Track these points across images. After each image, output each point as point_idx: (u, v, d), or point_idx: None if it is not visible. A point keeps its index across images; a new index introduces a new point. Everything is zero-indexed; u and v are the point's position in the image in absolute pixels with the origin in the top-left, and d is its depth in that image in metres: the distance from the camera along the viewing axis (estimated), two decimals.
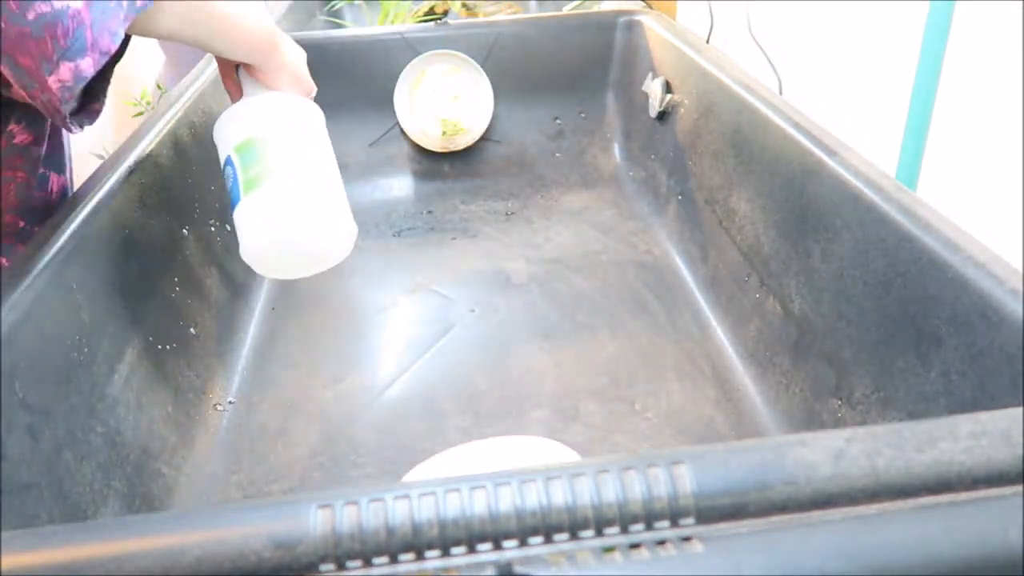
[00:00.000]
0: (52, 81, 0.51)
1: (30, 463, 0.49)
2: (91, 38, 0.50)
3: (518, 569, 0.26)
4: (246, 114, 0.65)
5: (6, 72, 0.52)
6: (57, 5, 0.49)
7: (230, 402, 0.76)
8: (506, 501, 0.27)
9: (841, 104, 1.09)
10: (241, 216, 0.62)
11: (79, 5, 0.49)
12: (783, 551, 0.26)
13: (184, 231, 0.81)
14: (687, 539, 0.27)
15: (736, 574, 0.26)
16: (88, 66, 0.51)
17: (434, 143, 1.15)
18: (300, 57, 0.69)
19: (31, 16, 0.49)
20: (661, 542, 0.27)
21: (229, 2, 0.60)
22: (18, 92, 0.54)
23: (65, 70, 0.51)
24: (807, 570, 0.26)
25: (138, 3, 0.52)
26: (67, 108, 0.53)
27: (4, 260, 0.65)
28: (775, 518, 0.28)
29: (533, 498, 0.27)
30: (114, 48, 0.52)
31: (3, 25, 0.48)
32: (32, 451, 0.49)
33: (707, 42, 1.07)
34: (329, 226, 0.63)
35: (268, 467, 0.69)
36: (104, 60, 0.52)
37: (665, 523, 0.27)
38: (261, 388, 0.78)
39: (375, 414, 0.74)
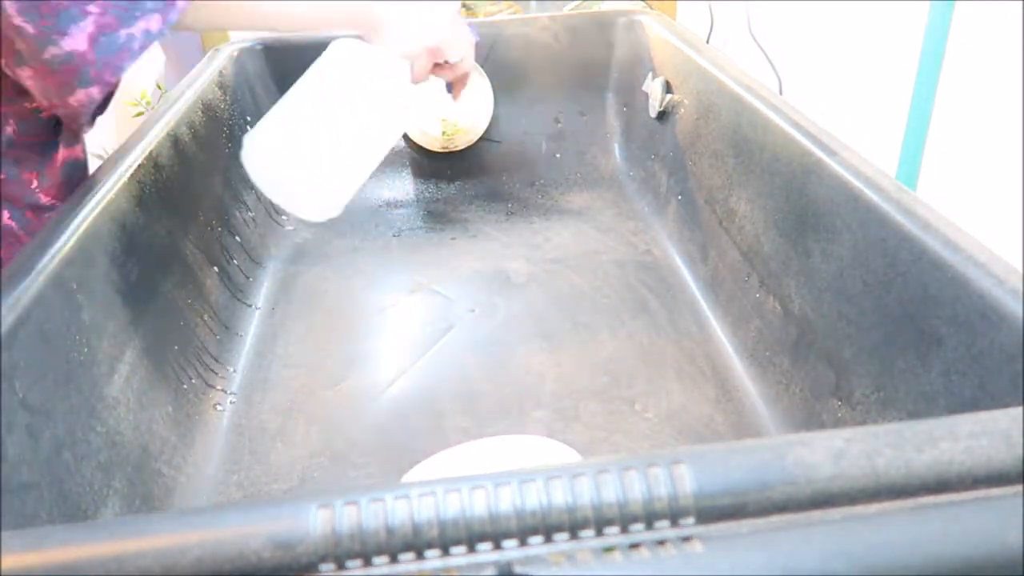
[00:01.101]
0: (72, 100, 0.60)
1: (30, 463, 0.48)
2: (95, 74, 0.59)
3: (518, 569, 0.26)
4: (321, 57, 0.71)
5: (36, 89, 0.61)
6: (66, 48, 0.57)
7: (230, 402, 0.76)
8: (506, 501, 0.27)
9: (841, 104, 1.09)
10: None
11: (84, 48, 0.57)
12: (783, 551, 0.26)
13: (184, 231, 0.81)
14: (687, 539, 0.27)
15: (736, 574, 0.26)
16: (97, 92, 0.60)
17: (434, 143, 1.15)
18: (411, 25, 0.70)
19: (47, 55, 0.57)
20: (661, 542, 0.27)
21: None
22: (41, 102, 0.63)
23: (81, 94, 0.60)
24: (807, 570, 0.26)
25: (153, 30, 0.59)
26: (85, 119, 0.63)
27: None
28: (775, 518, 0.28)
29: (533, 498, 0.27)
30: (117, 79, 0.61)
31: (30, 59, 0.58)
32: (32, 451, 0.49)
33: (707, 42, 1.07)
34: (276, 174, 0.71)
35: (268, 467, 0.69)
36: (110, 88, 0.61)
37: (665, 523, 0.27)
38: (261, 388, 0.78)
39: (375, 414, 0.74)
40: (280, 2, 0.65)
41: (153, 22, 0.59)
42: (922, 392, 0.52)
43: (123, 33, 0.58)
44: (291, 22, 0.68)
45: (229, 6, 0.63)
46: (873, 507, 0.28)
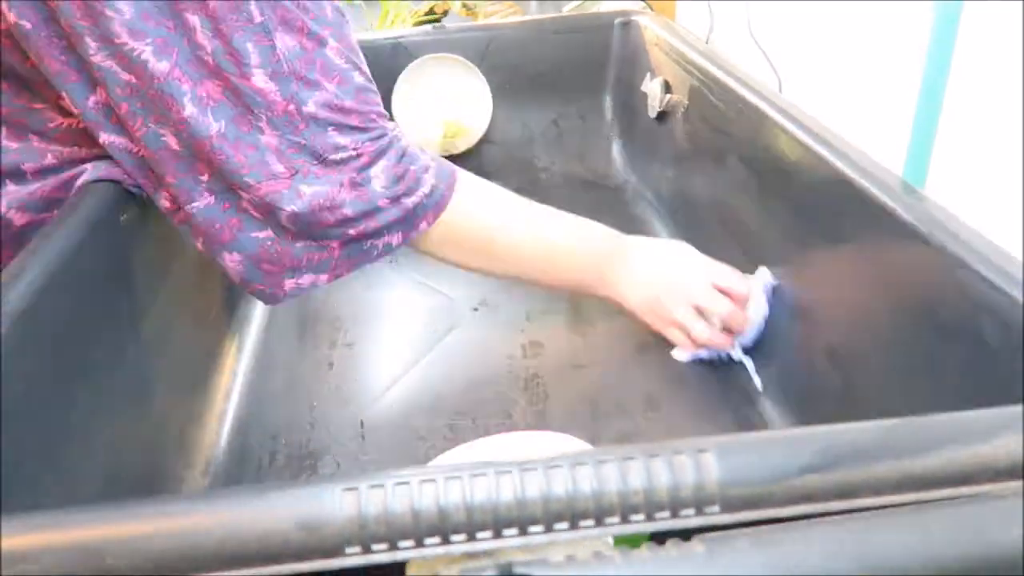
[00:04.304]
0: (289, 283, 0.62)
1: (30, 463, 0.48)
2: (333, 266, 0.63)
3: (519, 569, 0.26)
4: None
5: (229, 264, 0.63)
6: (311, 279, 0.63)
7: (231, 403, 0.76)
8: (532, 487, 0.27)
9: (841, 104, 1.09)
10: None
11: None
12: (783, 551, 0.26)
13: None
14: (687, 539, 0.27)
15: (736, 574, 0.26)
16: (323, 281, 0.63)
17: (434, 146, 1.15)
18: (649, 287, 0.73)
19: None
20: (684, 533, 0.27)
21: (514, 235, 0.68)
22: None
23: (306, 279, 0.62)
24: (807, 570, 0.26)
25: (394, 244, 0.63)
26: (285, 299, 0.64)
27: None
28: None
29: (559, 484, 0.27)
30: (342, 275, 0.64)
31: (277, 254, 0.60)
32: (32, 451, 0.48)
33: (707, 42, 1.07)
34: None
35: (269, 468, 0.69)
36: (326, 283, 0.64)
37: (690, 511, 0.27)
38: (261, 388, 0.78)
39: (376, 414, 0.74)
40: (522, 244, 0.68)
41: (396, 238, 0.63)
42: (922, 392, 0.53)
43: (368, 243, 0.62)
44: (522, 268, 0.70)
45: (466, 236, 0.66)
46: (873, 507, 0.28)
